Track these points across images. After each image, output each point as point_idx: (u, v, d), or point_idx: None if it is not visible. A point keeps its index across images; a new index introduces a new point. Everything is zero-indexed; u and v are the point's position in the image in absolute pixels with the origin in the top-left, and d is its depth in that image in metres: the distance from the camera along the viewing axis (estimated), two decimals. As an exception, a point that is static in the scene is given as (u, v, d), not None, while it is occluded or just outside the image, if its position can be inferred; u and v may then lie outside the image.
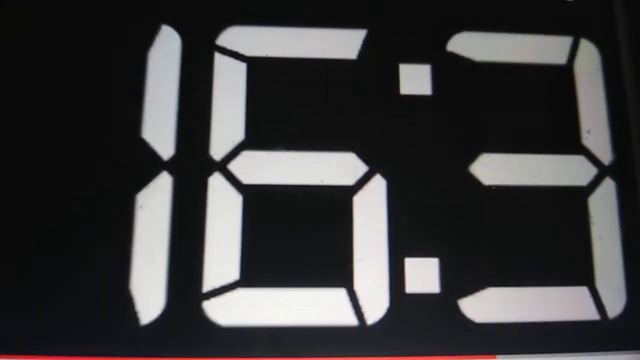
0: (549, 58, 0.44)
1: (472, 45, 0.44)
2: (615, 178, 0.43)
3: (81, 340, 0.37)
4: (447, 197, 0.41)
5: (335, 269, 0.39)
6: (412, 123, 0.42)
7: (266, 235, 0.40)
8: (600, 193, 0.42)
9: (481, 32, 0.44)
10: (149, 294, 0.38)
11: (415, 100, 0.43)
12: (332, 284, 0.39)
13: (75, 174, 0.40)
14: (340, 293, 0.39)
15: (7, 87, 0.41)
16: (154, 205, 0.39)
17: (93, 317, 0.38)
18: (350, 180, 0.41)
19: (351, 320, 0.39)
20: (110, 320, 0.38)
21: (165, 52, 0.42)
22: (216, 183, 0.40)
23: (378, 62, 0.43)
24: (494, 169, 0.42)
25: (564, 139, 0.43)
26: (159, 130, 0.41)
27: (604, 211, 0.42)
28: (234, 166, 0.40)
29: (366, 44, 0.43)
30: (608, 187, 0.43)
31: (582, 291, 0.41)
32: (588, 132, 0.43)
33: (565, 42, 0.45)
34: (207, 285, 0.38)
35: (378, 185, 0.41)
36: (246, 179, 0.40)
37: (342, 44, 0.43)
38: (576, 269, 0.41)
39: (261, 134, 0.41)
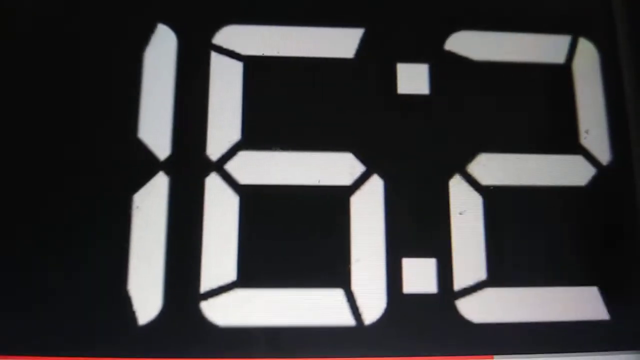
0: (547, 57, 0.44)
1: (470, 44, 0.44)
2: (613, 177, 0.42)
3: (79, 341, 0.37)
4: (445, 197, 0.41)
5: (332, 270, 0.39)
6: (409, 123, 0.42)
7: (263, 236, 0.40)
8: (599, 192, 0.42)
9: (479, 31, 0.44)
10: (146, 295, 0.38)
11: (412, 99, 0.43)
12: (329, 284, 0.39)
13: (72, 175, 0.40)
14: (338, 293, 0.39)
15: (4, 86, 0.41)
16: (150, 205, 0.39)
17: (91, 317, 0.38)
18: (347, 181, 0.41)
19: (348, 320, 0.39)
20: (108, 320, 0.38)
21: (161, 51, 0.42)
22: (213, 183, 0.40)
23: (375, 61, 0.43)
24: (491, 169, 0.42)
25: (563, 138, 0.43)
26: (155, 130, 0.41)
27: (603, 210, 0.42)
28: (230, 166, 0.40)
29: (363, 43, 0.43)
30: (607, 186, 0.42)
31: (581, 291, 0.41)
32: (586, 131, 0.43)
33: (563, 41, 0.45)
34: (205, 285, 0.38)
35: (375, 186, 0.41)
36: (243, 179, 0.40)
37: (339, 43, 0.43)
38: (574, 270, 0.41)
39: (258, 134, 0.41)
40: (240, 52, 0.42)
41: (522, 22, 0.45)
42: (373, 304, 0.39)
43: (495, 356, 0.39)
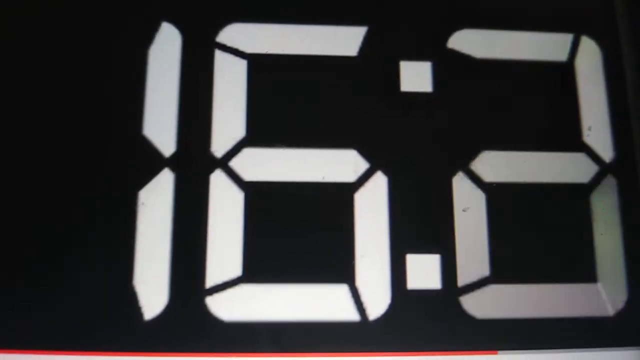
0: (549, 55, 0.44)
1: (472, 42, 0.44)
2: (617, 175, 0.43)
3: (84, 336, 0.38)
4: (448, 194, 0.41)
5: (337, 265, 0.39)
6: (412, 120, 0.42)
7: (268, 232, 0.40)
8: (601, 190, 0.42)
9: (482, 29, 0.44)
10: (152, 290, 0.38)
11: (415, 97, 0.43)
12: (334, 280, 0.39)
13: (78, 172, 0.40)
14: (342, 289, 0.39)
15: (8, 86, 0.41)
16: (156, 202, 0.40)
17: (96, 312, 0.38)
18: (351, 177, 0.41)
19: (353, 316, 0.39)
20: (114, 315, 0.38)
21: (166, 49, 0.42)
22: (218, 180, 0.40)
23: (378, 59, 0.43)
24: (494, 166, 0.42)
25: (565, 136, 0.43)
26: (160, 127, 0.41)
27: (605, 208, 0.42)
28: (235, 163, 0.41)
29: (367, 41, 0.43)
30: (609, 184, 0.43)
31: (583, 288, 0.41)
32: (589, 129, 0.43)
33: (566, 39, 0.45)
34: (210, 281, 0.39)
35: (379, 182, 0.41)
36: (248, 175, 0.40)
37: (342, 41, 0.43)
38: (577, 266, 0.41)
39: (262, 130, 0.41)
40: (245, 50, 0.43)
41: (524, 20, 0.45)
42: (377, 300, 0.39)
43: (499, 352, 0.39)
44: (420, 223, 0.41)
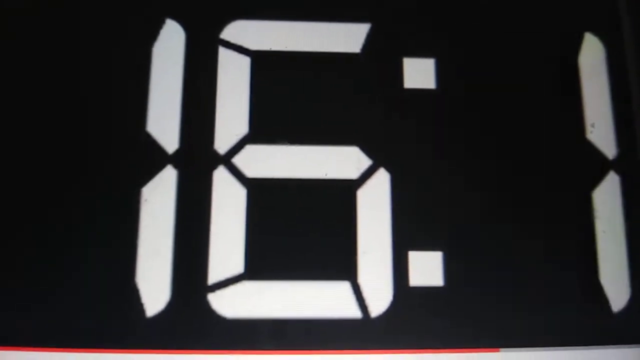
0: (553, 52, 0.44)
1: (476, 39, 0.44)
2: (620, 172, 0.42)
3: (87, 333, 0.38)
4: (451, 191, 0.41)
5: (339, 262, 0.39)
6: (416, 117, 0.42)
7: (270, 229, 0.40)
8: (604, 187, 0.42)
9: (485, 26, 0.44)
10: (154, 287, 0.38)
11: (419, 94, 0.43)
12: (336, 277, 0.39)
13: (81, 169, 0.40)
14: (344, 286, 0.39)
15: (11, 84, 0.41)
16: (158, 198, 0.40)
17: (99, 309, 0.38)
18: (354, 174, 0.41)
19: (355, 313, 0.39)
20: (116, 312, 0.38)
21: (170, 46, 0.42)
22: (220, 177, 0.40)
23: (382, 55, 0.43)
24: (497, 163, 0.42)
25: (568, 132, 0.43)
26: (164, 124, 0.41)
27: (607, 205, 0.42)
28: (238, 160, 0.41)
29: (370, 38, 0.43)
30: (612, 181, 0.42)
31: (586, 285, 0.41)
32: (592, 126, 0.43)
33: (569, 36, 0.45)
34: (212, 277, 0.39)
35: (382, 179, 0.41)
36: (250, 172, 0.40)
37: (345, 37, 0.43)
38: (580, 263, 0.41)
39: (265, 127, 0.41)
40: (248, 47, 0.43)
41: (528, 18, 0.45)
42: (379, 297, 0.39)
43: (501, 349, 0.39)
44: (422, 220, 0.41)
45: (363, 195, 0.41)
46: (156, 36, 0.42)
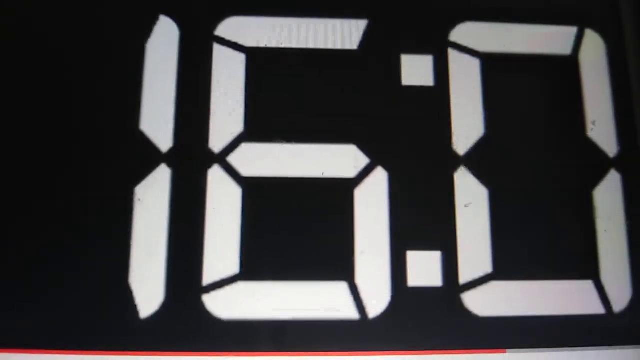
0: (553, 49, 0.44)
1: (475, 35, 0.43)
2: (621, 170, 0.42)
3: (80, 334, 0.37)
4: (450, 190, 0.41)
5: (336, 262, 0.39)
6: (414, 115, 0.42)
7: (266, 228, 0.39)
8: (605, 186, 0.42)
9: (484, 23, 0.44)
10: (148, 288, 0.38)
11: (417, 91, 0.42)
12: (333, 277, 0.39)
13: (74, 167, 0.40)
14: (342, 286, 0.39)
15: (3, 81, 0.41)
16: (152, 198, 0.39)
17: (92, 310, 0.38)
18: (351, 173, 0.40)
19: (352, 313, 0.38)
20: (110, 313, 0.38)
21: (164, 43, 0.42)
22: (215, 175, 0.40)
23: (379, 52, 0.43)
24: (497, 163, 0.42)
25: (569, 130, 0.43)
26: (158, 122, 0.40)
27: (609, 204, 0.42)
28: (233, 158, 0.40)
29: (367, 34, 0.43)
30: (613, 179, 0.42)
31: (587, 285, 0.40)
32: (593, 123, 0.43)
33: (570, 32, 0.44)
34: (207, 278, 0.38)
35: (379, 178, 0.41)
36: (246, 171, 0.40)
37: (342, 34, 0.43)
38: (581, 263, 0.41)
39: (261, 125, 0.41)
40: (243, 43, 0.42)
41: (528, 14, 0.44)
42: (377, 297, 0.39)
43: (507, 350, 0.38)
44: (421, 219, 0.40)
45: (360, 194, 0.40)
46: (150, 33, 0.42)
